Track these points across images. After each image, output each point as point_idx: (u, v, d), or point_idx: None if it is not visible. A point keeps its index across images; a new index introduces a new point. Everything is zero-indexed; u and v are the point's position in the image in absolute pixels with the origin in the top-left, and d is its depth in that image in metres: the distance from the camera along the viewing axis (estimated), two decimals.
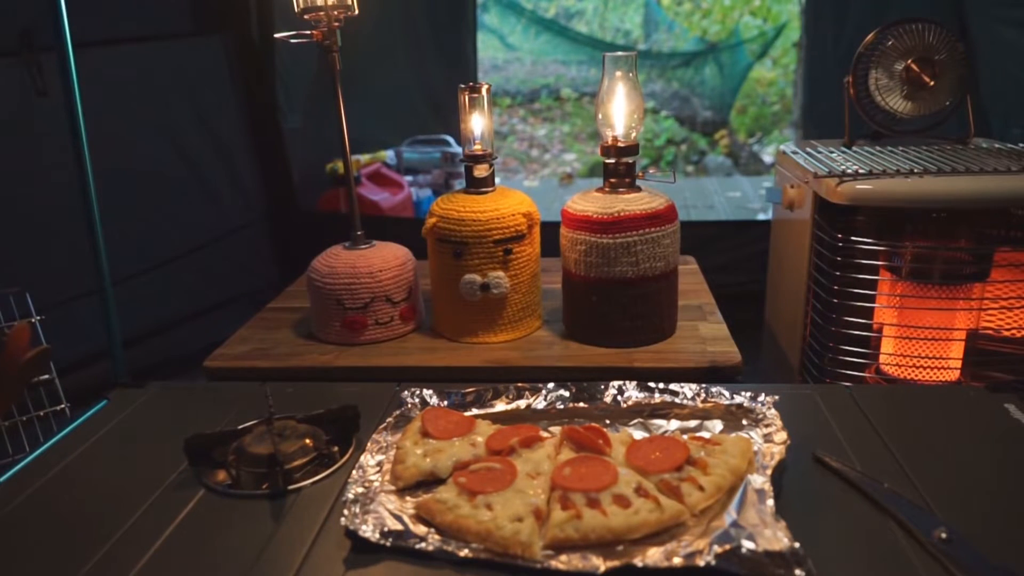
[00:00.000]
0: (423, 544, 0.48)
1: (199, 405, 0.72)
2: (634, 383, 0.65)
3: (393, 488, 0.54)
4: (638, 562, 0.45)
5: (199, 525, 0.53)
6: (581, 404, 0.65)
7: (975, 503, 0.51)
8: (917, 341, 1.03)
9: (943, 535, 0.47)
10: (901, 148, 1.21)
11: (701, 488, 0.51)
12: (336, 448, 0.61)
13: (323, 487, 0.57)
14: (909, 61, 1.19)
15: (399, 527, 0.49)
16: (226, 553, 0.50)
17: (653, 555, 0.45)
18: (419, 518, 0.51)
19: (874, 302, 1.04)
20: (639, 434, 0.61)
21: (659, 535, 0.48)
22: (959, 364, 1.03)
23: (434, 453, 0.56)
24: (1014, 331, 1.02)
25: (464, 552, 0.47)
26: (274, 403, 0.61)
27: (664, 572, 0.44)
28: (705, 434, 0.60)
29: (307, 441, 0.60)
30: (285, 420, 0.62)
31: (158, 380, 0.77)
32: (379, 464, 0.57)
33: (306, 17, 0.81)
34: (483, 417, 0.64)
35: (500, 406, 0.66)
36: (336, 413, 0.63)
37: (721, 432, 0.61)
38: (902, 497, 0.51)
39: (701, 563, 0.44)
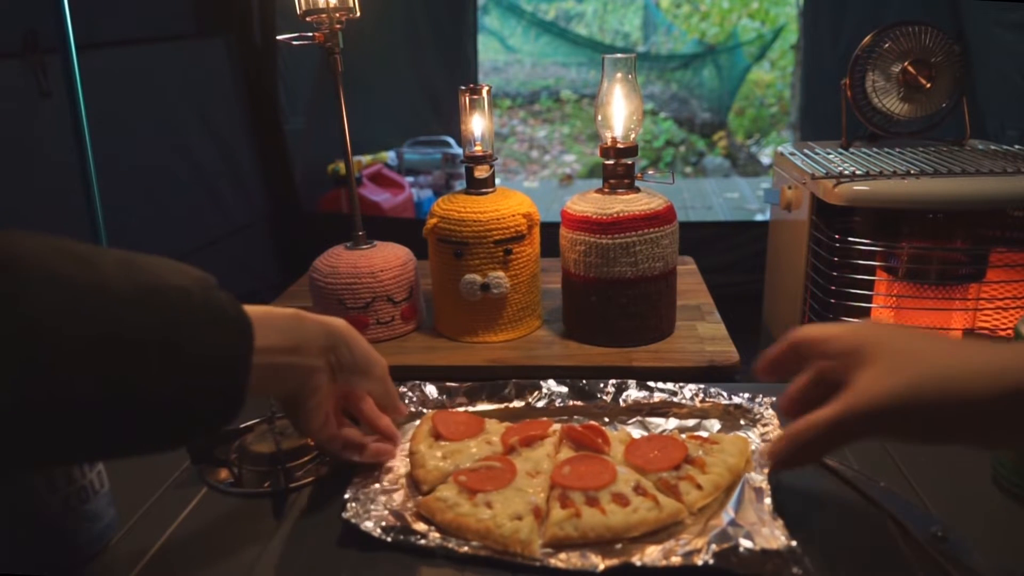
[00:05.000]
0: (423, 541, 0.48)
1: None
2: (633, 382, 0.66)
3: (395, 487, 0.55)
4: (636, 561, 0.45)
5: (201, 523, 0.53)
6: (580, 402, 0.65)
7: (971, 501, 0.52)
8: None
9: (939, 533, 0.47)
10: (898, 149, 1.22)
11: (699, 487, 0.51)
12: None
13: (324, 485, 0.57)
14: (906, 63, 1.20)
15: (400, 524, 0.50)
16: (228, 551, 0.50)
17: (651, 553, 0.46)
18: (419, 516, 0.51)
19: (871, 302, 1.05)
20: (637, 432, 0.61)
21: (657, 533, 0.49)
22: None
23: (452, 454, 0.57)
24: (1009, 331, 1.02)
25: (464, 549, 0.47)
26: (276, 402, 0.62)
27: (662, 571, 0.45)
28: (703, 433, 0.60)
29: (308, 440, 0.60)
30: (287, 419, 0.63)
31: None
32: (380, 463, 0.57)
33: (308, 19, 0.81)
34: (483, 414, 0.65)
35: (500, 403, 0.66)
36: None
37: (719, 431, 0.61)
38: (898, 495, 0.52)
39: (699, 562, 0.44)
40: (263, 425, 0.62)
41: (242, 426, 0.64)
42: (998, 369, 0.38)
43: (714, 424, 0.62)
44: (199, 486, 0.58)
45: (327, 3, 0.80)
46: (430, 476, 0.55)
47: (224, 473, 0.59)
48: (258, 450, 0.59)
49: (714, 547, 0.45)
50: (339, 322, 0.51)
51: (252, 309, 0.43)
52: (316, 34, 0.81)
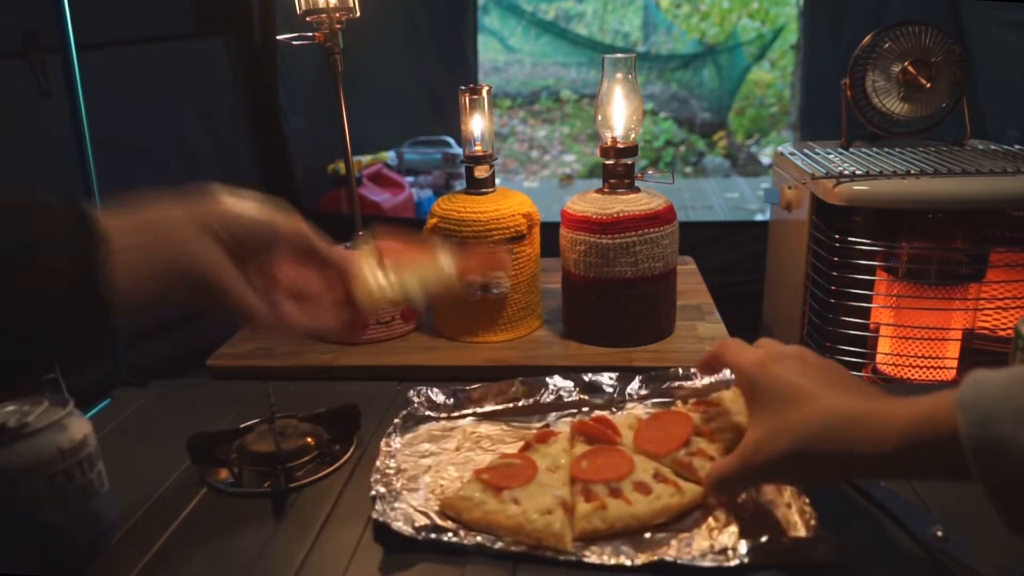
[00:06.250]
0: (455, 538, 0.48)
1: (202, 404, 0.72)
2: (638, 377, 0.66)
3: (415, 487, 0.54)
4: (669, 556, 0.46)
5: (201, 523, 0.53)
6: (586, 396, 0.66)
7: (971, 501, 0.52)
8: (913, 341, 1.04)
9: (939, 533, 0.47)
10: (898, 149, 1.22)
11: (712, 458, 0.52)
12: (337, 447, 0.62)
13: (324, 485, 0.57)
14: (906, 63, 1.20)
15: (428, 523, 0.50)
16: (228, 551, 0.50)
17: (683, 549, 0.47)
18: (445, 515, 0.51)
19: (871, 302, 1.05)
20: (642, 411, 0.62)
21: (684, 519, 0.49)
22: (955, 364, 1.04)
23: (399, 271, 0.53)
24: (1009, 331, 1.02)
25: (498, 545, 0.48)
26: (276, 402, 0.62)
27: (696, 568, 0.45)
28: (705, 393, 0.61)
29: (308, 440, 0.60)
30: (287, 419, 0.63)
31: (161, 379, 0.77)
32: (397, 468, 0.57)
33: (308, 19, 0.81)
34: (492, 415, 0.64)
35: (508, 403, 0.66)
36: (337, 412, 0.63)
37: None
38: (898, 495, 0.52)
39: (733, 562, 0.45)
40: (263, 425, 0.62)
41: (242, 426, 0.64)
42: (884, 424, 0.40)
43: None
44: (199, 486, 0.58)
45: (327, 3, 0.80)
46: (373, 296, 0.51)
47: (224, 473, 0.59)
48: (258, 450, 0.59)
49: (744, 544, 0.46)
50: (209, 203, 0.46)
51: (111, 215, 0.41)
52: (316, 34, 0.81)
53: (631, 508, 0.49)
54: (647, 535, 0.48)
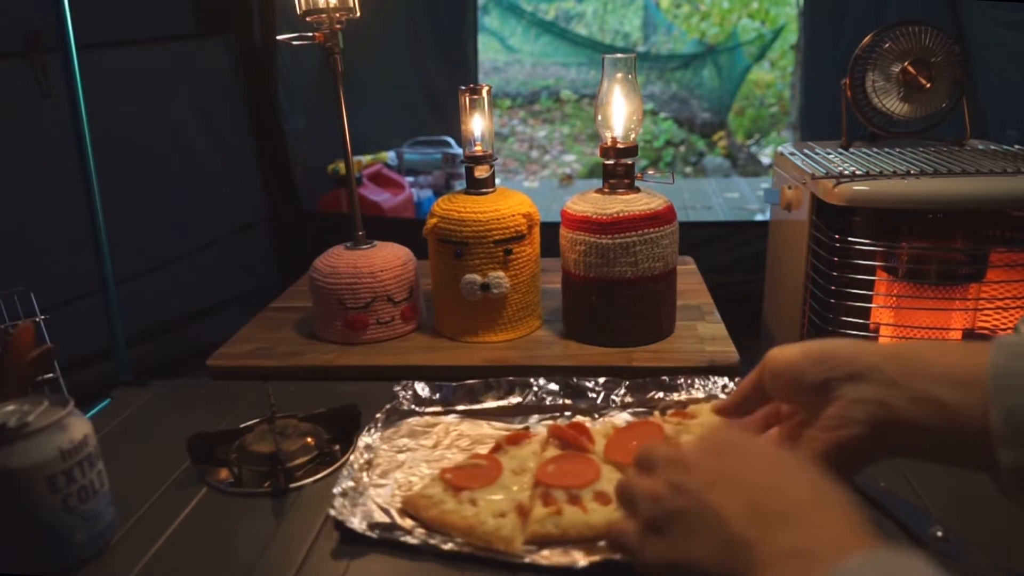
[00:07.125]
0: (408, 537, 0.48)
1: (202, 404, 0.72)
2: (624, 383, 0.66)
3: (384, 482, 0.55)
4: (618, 557, 0.45)
5: (201, 523, 0.54)
6: (569, 400, 0.66)
7: (971, 502, 0.52)
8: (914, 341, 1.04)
9: (939, 534, 0.47)
10: (898, 149, 1.22)
11: None
12: (337, 447, 0.62)
13: (324, 485, 0.57)
14: (906, 63, 1.20)
15: (386, 520, 0.50)
16: (228, 550, 0.50)
17: None
18: (405, 512, 0.51)
19: (871, 302, 1.05)
20: (622, 420, 0.62)
21: None
22: None
23: None
24: (1009, 331, 1.02)
25: (448, 546, 0.48)
26: (276, 402, 0.62)
27: None
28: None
29: (308, 440, 0.60)
30: (287, 419, 0.63)
31: (161, 379, 0.77)
32: (368, 461, 0.57)
33: (308, 19, 0.81)
34: (472, 413, 0.64)
35: (491, 403, 0.66)
36: (337, 412, 0.63)
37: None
38: (898, 495, 0.52)
39: None
40: (263, 425, 0.62)
41: (242, 426, 0.64)
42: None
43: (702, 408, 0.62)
44: (199, 486, 0.58)
45: (327, 3, 0.80)
46: None
47: (224, 473, 0.59)
48: (258, 450, 0.59)
49: None
50: None
51: None
52: (316, 34, 0.81)
53: (586, 516, 0.48)
54: (601, 543, 0.47)
